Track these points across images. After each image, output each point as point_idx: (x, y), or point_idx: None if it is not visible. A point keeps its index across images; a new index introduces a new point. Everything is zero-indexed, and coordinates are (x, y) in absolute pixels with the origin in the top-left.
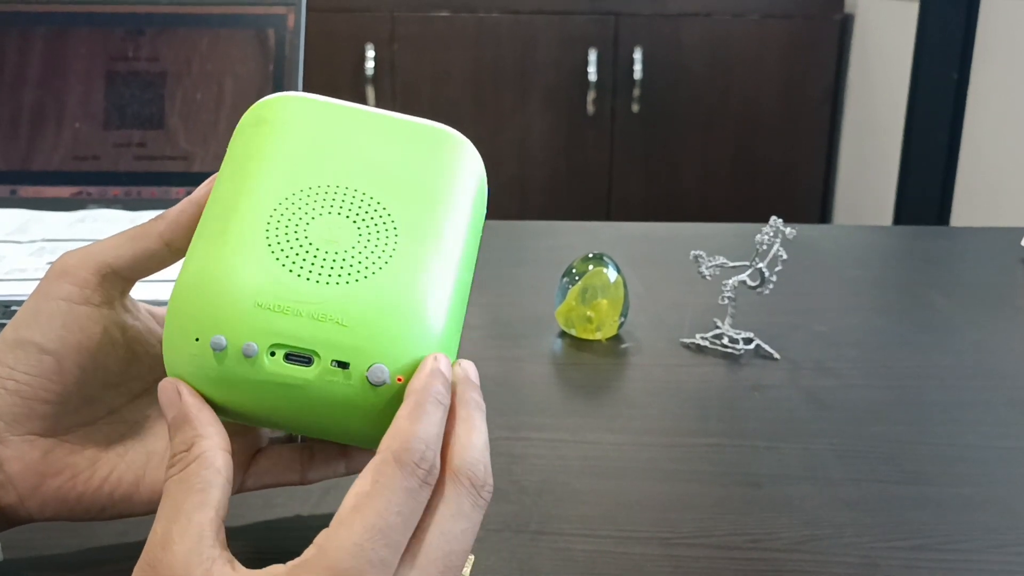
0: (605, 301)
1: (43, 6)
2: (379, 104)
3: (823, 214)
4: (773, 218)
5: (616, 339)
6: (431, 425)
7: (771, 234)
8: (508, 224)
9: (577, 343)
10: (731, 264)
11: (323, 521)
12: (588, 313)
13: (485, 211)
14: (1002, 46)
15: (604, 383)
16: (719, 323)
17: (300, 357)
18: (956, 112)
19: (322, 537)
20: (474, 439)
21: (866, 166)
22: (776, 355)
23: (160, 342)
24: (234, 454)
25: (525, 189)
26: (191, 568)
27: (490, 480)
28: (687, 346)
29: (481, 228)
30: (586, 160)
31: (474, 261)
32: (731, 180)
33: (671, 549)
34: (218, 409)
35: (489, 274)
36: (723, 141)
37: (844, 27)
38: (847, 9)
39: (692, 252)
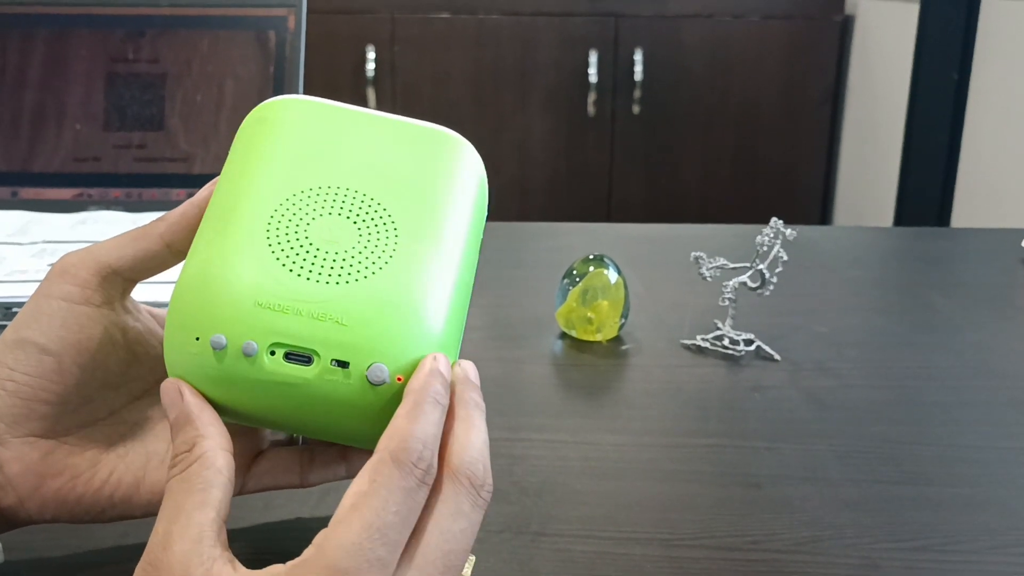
0: (606, 302)
1: (44, 8)
2: (380, 106)
3: (823, 215)
4: (773, 219)
5: (616, 340)
6: (429, 424)
7: (771, 235)
8: (508, 225)
9: (577, 344)
10: (732, 265)
11: (323, 523)
12: (589, 314)
13: (486, 212)
14: (1002, 46)
15: (604, 384)
16: (719, 324)
17: (300, 356)
18: (956, 113)
19: (321, 537)
20: (473, 438)
21: (866, 167)
22: (776, 356)
23: (161, 343)
24: (235, 456)
25: (525, 190)
26: (191, 568)
27: (489, 480)
28: (687, 347)
29: (482, 229)
30: (586, 161)
31: (475, 262)
32: (732, 181)
33: (671, 550)
34: (219, 409)
35: (489, 275)
36: (724, 142)
37: (844, 28)
38: (847, 10)
39: (693, 253)
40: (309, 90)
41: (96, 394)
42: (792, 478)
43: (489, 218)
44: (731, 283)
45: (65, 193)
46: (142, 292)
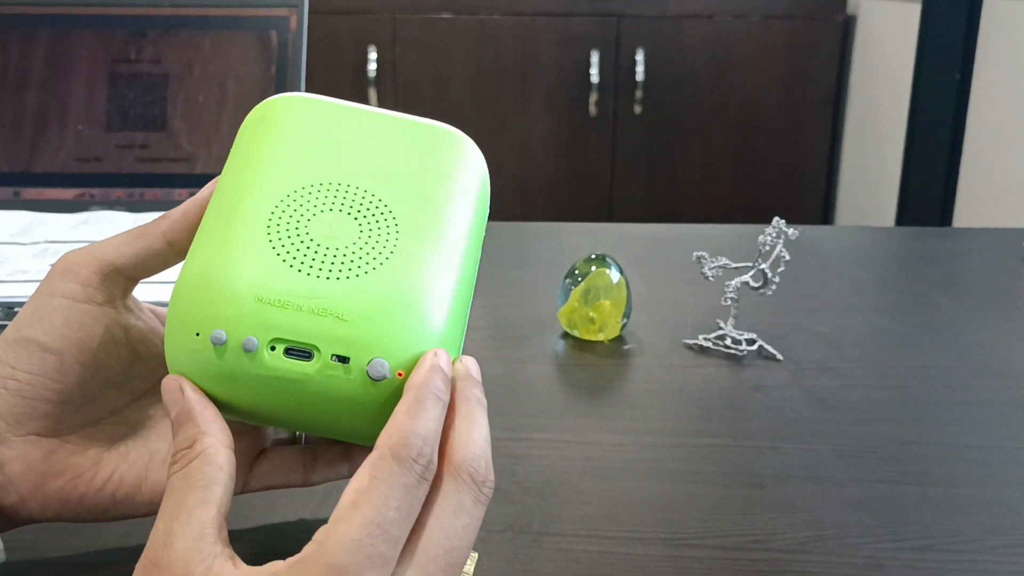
0: (608, 302)
1: (46, 8)
2: (381, 105)
3: (825, 215)
4: (776, 219)
5: (619, 340)
6: (429, 420)
7: (774, 235)
8: (510, 225)
9: (580, 344)
10: (734, 265)
11: (325, 523)
12: (591, 314)
13: (488, 210)
14: (1004, 46)
15: (607, 384)
16: (722, 324)
17: (300, 352)
18: (958, 112)
19: (321, 533)
20: (475, 435)
21: (868, 167)
22: (779, 356)
23: (163, 342)
24: (237, 454)
25: (527, 190)
26: (192, 565)
27: (491, 476)
28: (690, 347)
29: (484, 226)
30: (588, 161)
31: (478, 259)
32: (733, 181)
33: (674, 550)
34: (220, 406)
35: (491, 275)
36: (725, 142)
37: (846, 28)
38: (849, 10)
39: (695, 253)
40: (311, 90)
41: (98, 393)
42: (795, 478)
43: (490, 218)
44: (733, 283)
45: (67, 193)
46: (144, 291)
